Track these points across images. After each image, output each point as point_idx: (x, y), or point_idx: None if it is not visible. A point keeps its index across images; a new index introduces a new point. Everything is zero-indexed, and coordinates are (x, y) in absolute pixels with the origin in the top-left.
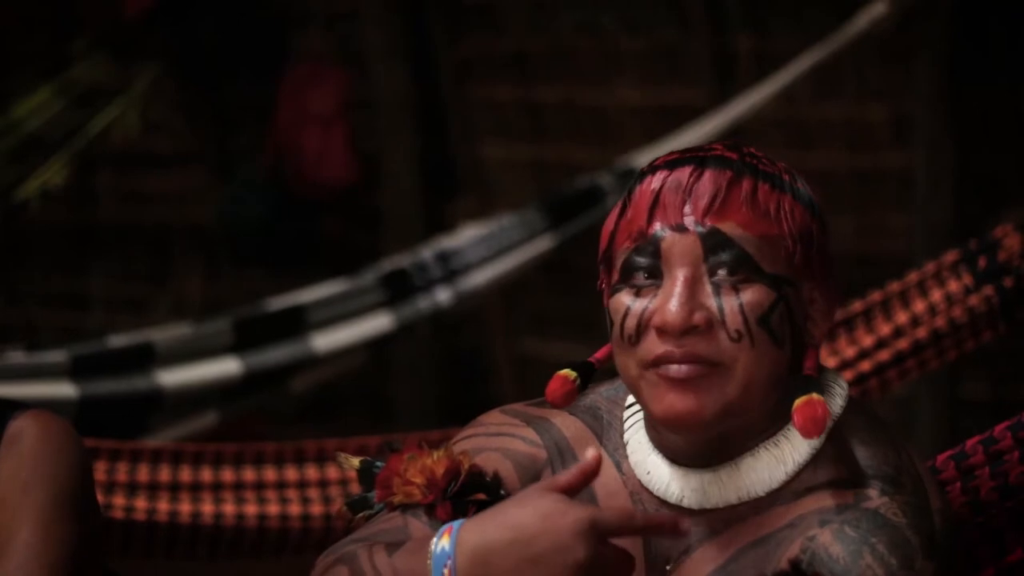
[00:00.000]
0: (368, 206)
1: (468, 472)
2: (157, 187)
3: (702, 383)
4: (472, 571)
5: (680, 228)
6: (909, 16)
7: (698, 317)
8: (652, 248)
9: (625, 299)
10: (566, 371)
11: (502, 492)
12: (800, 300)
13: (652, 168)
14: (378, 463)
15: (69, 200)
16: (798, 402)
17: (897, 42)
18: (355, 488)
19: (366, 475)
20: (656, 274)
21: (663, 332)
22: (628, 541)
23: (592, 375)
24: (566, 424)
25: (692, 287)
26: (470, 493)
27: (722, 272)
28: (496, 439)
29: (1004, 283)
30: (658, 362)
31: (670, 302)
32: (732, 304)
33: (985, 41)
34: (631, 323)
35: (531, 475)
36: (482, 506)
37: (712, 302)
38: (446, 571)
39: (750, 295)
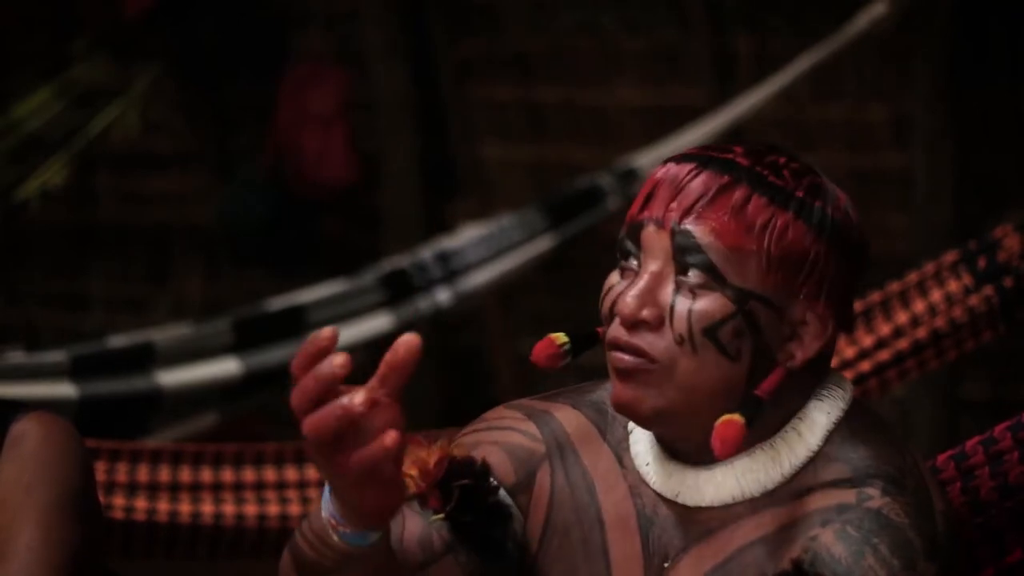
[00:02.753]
0: (368, 206)
1: (457, 459)
2: (157, 187)
3: (642, 378)
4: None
5: (659, 222)
6: (909, 16)
7: (647, 313)
8: (636, 235)
9: (613, 278)
10: (556, 335)
11: (491, 480)
12: (775, 318)
13: (669, 159)
14: None
15: (69, 200)
16: (719, 420)
17: (897, 42)
18: None
19: None
20: (638, 260)
21: (620, 318)
22: (626, 538)
23: (591, 345)
24: (568, 418)
25: (655, 282)
26: (457, 479)
27: (687, 274)
28: (495, 433)
29: (1004, 283)
30: (610, 345)
31: (629, 291)
32: (683, 308)
33: (985, 41)
34: (606, 303)
35: (527, 468)
36: (467, 490)
37: (669, 301)
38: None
39: (704, 303)
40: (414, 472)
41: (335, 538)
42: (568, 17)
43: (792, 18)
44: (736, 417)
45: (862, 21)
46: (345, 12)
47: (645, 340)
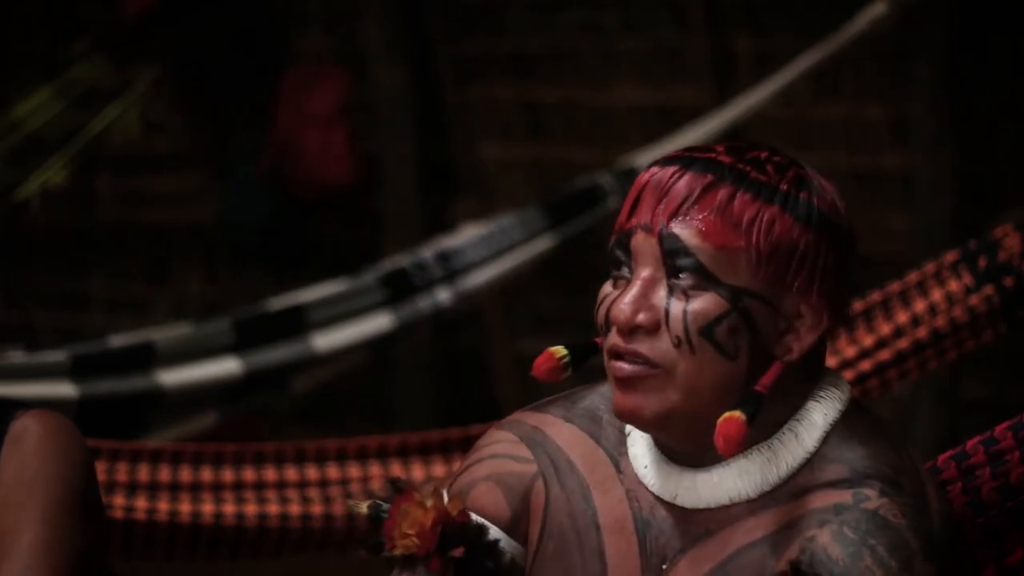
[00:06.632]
0: (368, 206)
1: (456, 522)
2: (157, 187)
3: (642, 384)
4: None
5: (647, 228)
6: (909, 16)
7: (643, 317)
8: (626, 243)
9: (606, 288)
10: (555, 348)
11: (489, 536)
12: (770, 313)
13: (652, 163)
14: (384, 507)
15: (69, 200)
16: (720, 418)
17: (897, 42)
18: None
19: (375, 521)
20: (629, 268)
21: (616, 326)
22: (623, 540)
23: (591, 355)
24: (561, 433)
25: (648, 287)
26: (456, 544)
27: (679, 277)
28: (489, 463)
29: (1004, 283)
30: (610, 354)
31: (623, 298)
32: (678, 310)
33: (985, 41)
34: (601, 312)
35: (520, 493)
36: (463, 559)
37: (663, 304)
38: None
39: (698, 304)
40: (414, 533)
41: None
42: (568, 17)
43: (792, 18)
44: (737, 414)
45: (862, 21)
46: (345, 12)
47: (644, 345)
